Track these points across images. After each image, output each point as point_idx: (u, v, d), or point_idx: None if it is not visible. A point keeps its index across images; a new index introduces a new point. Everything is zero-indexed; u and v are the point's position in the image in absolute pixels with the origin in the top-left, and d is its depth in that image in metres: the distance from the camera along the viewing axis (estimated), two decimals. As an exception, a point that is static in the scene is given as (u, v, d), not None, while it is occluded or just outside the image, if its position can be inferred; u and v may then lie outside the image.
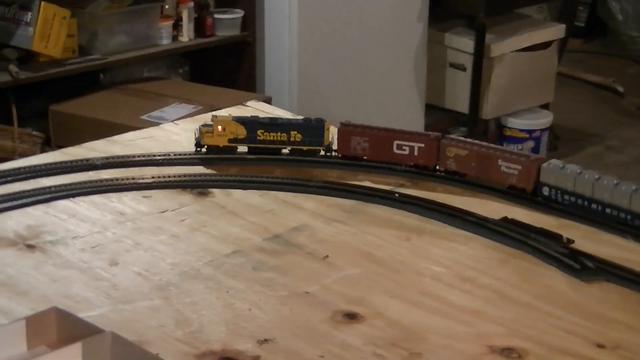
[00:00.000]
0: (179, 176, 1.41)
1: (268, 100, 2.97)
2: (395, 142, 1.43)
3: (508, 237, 1.25)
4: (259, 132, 1.46)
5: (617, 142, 4.11)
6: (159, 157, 1.47)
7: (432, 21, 3.58)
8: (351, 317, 1.08)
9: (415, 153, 1.43)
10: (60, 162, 1.44)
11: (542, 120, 3.83)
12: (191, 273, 1.17)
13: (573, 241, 1.24)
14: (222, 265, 1.18)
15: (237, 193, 1.38)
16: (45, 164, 1.43)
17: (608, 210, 1.29)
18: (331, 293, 1.13)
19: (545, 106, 3.93)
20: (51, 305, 1.03)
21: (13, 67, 2.76)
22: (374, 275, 1.18)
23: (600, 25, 5.15)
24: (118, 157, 1.46)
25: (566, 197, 1.32)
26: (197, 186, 1.39)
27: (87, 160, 1.45)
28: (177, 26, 3.13)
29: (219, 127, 1.46)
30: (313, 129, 1.47)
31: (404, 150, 1.43)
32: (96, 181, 1.38)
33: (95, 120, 2.85)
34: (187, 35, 3.14)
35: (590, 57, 5.02)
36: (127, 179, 1.39)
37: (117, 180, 1.39)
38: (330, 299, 1.11)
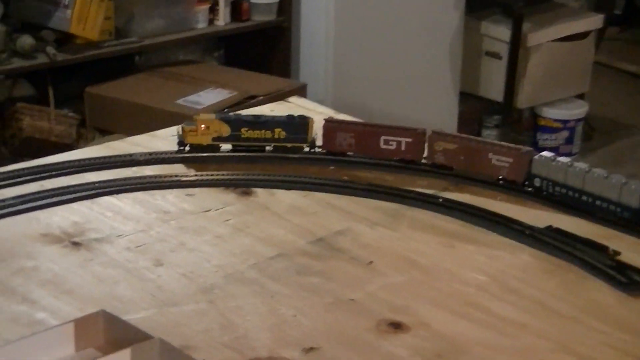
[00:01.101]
0: (222, 174, 1.41)
1: (303, 88, 2.96)
2: (383, 138, 1.45)
3: (553, 246, 1.24)
4: (242, 130, 1.46)
5: (653, 134, 4.07)
6: (201, 155, 1.47)
7: (469, 9, 3.56)
8: (396, 326, 1.08)
9: (403, 148, 1.45)
10: (104, 157, 1.44)
11: (577, 110, 3.80)
12: (236, 276, 1.17)
13: (620, 253, 1.23)
14: (266, 269, 1.18)
15: (280, 193, 1.38)
16: (89, 159, 1.43)
17: (598, 202, 1.32)
18: (376, 301, 1.13)
19: (580, 96, 3.90)
20: (97, 305, 1.04)
21: (50, 49, 2.77)
22: (418, 283, 1.17)
23: (638, 13, 5.08)
24: (160, 153, 1.46)
25: (557, 188, 1.35)
26: (241, 185, 1.39)
27: (130, 155, 1.45)
28: (213, 10, 3.13)
29: (202, 125, 1.45)
30: (297, 125, 1.47)
31: (391, 145, 1.45)
32: (140, 178, 1.39)
33: (131, 103, 2.86)
34: (223, 19, 3.14)
35: (628, 45, 4.95)
36: (170, 176, 1.39)
37: (160, 177, 1.39)
38: (374, 307, 1.11)
